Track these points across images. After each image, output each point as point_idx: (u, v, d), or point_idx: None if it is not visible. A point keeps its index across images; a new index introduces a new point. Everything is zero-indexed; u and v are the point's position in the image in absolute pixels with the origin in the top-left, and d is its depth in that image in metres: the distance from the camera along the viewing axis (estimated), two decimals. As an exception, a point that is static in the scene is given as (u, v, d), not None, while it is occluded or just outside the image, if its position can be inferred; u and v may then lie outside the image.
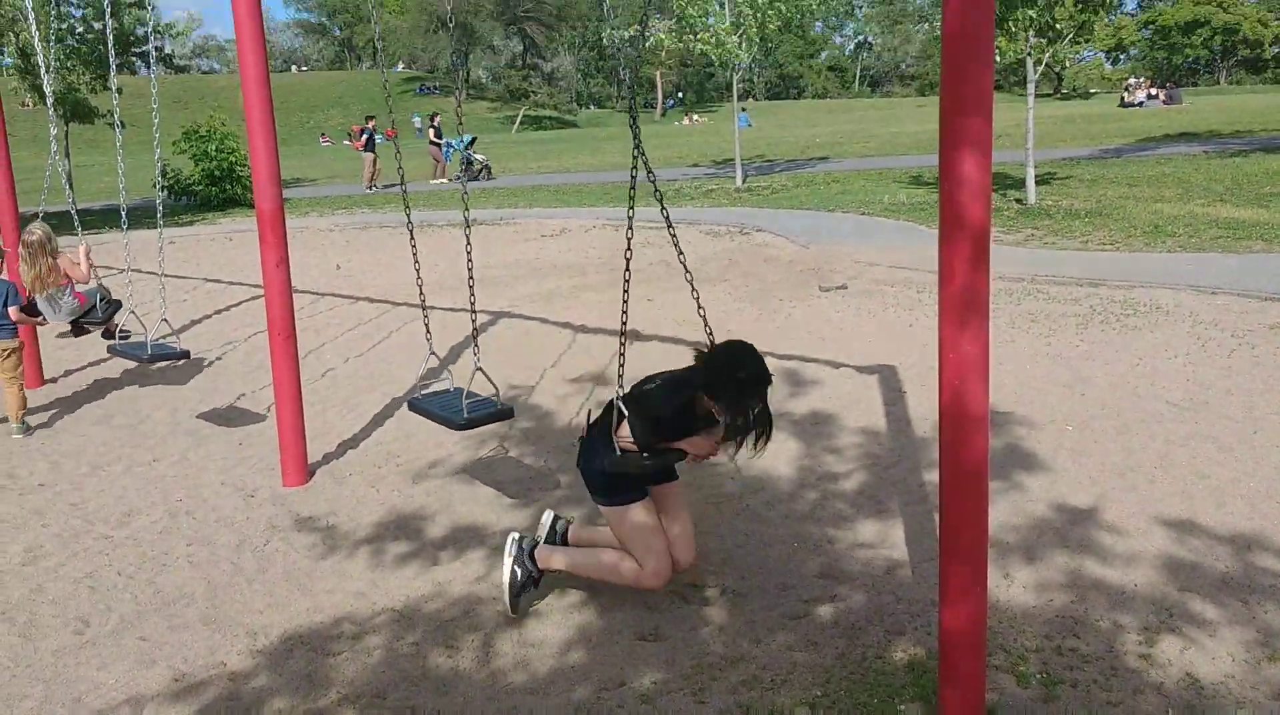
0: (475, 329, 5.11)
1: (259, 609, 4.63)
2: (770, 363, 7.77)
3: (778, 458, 6.03)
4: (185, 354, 6.98)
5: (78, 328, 7.62)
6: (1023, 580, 4.46)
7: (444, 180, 27.37)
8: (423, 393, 5.49)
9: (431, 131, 28.91)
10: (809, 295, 10.31)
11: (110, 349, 7.26)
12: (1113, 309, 8.87)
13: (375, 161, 26.15)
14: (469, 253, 5.51)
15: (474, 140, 29.22)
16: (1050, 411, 6.54)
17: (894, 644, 4.02)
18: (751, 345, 4.07)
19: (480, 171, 27.63)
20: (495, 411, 4.99)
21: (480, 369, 5.05)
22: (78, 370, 9.01)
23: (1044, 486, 5.43)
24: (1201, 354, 7.45)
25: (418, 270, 5.71)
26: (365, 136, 26.84)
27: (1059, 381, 7.13)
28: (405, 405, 5.45)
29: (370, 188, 25.63)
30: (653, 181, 4.08)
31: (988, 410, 3.29)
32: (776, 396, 7.09)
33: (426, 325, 5.35)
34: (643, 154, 4.00)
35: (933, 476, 5.64)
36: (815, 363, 7.71)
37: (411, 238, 5.81)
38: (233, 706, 3.82)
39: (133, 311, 7.19)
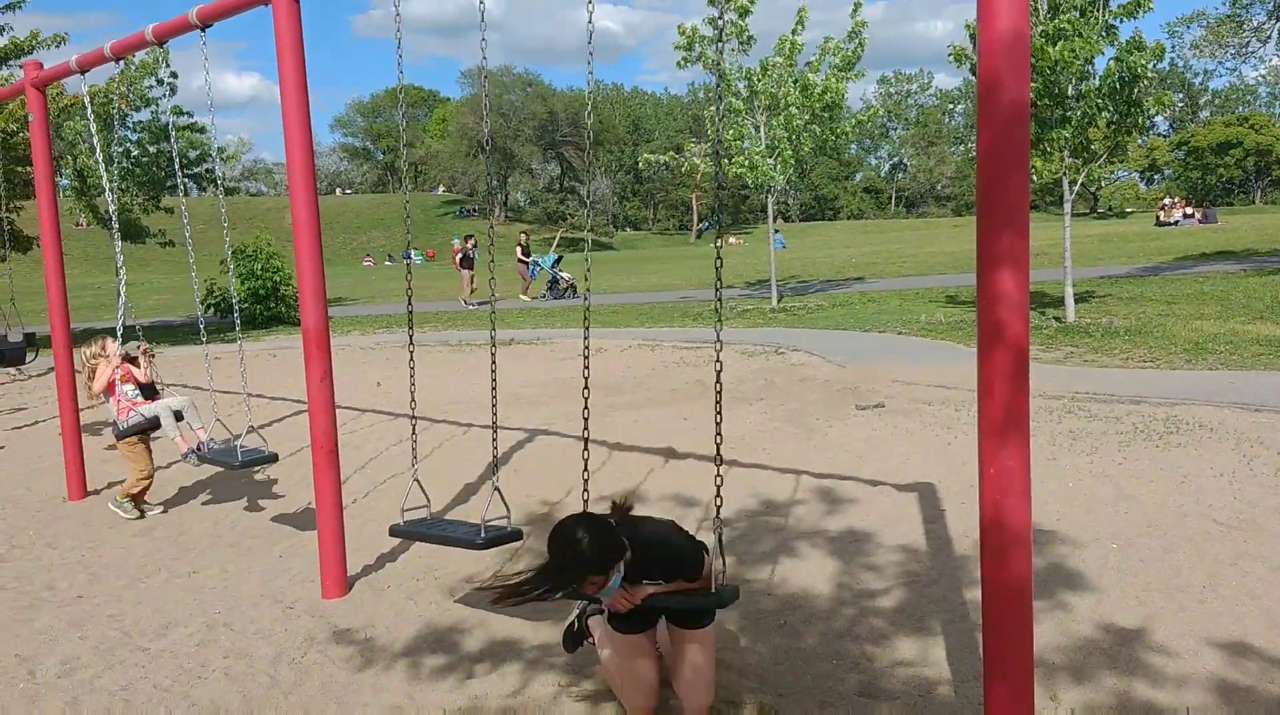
0: (496, 449, 5.19)
1: (294, 723, 4.60)
2: (807, 481, 7.83)
3: (816, 575, 5.98)
4: (274, 457, 7.17)
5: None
6: (1070, 702, 4.35)
7: (527, 298, 27.66)
8: (405, 520, 5.55)
9: (519, 249, 29.16)
10: (846, 414, 10.31)
11: (199, 457, 7.50)
12: (1155, 426, 8.79)
13: (473, 278, 26.70)
14: (493, 372, 5.57)
15: (560, 259, 29.52)
16: (1094, 530, 6.45)
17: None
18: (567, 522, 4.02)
19: (566, 289, 27.83)
20: (507, 534, 5.08)
21: (497, 489, 5.12)
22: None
23: (1089, 606, 5.33)
24: (1248, 472, 7.35)
25: (412, 394, 5.75)
26: (461, 255, 27.44)
27: (1102, 499, 7.04)
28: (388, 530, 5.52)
29: (466, 304, 26.22)
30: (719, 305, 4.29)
31: (1029, 525, 3.28)
32: (813, 515, 7.06)
33: (414, 448, 5.48)
34: (719, 278, 4.22)
35: (974, 595, 5.56)
36: (853, 481, 7.68)
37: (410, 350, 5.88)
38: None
39: (218, 419, 7.40)
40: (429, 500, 5.70)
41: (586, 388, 4.40)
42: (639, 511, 4.33)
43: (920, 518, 6.86)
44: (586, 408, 4.25)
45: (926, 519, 6.82)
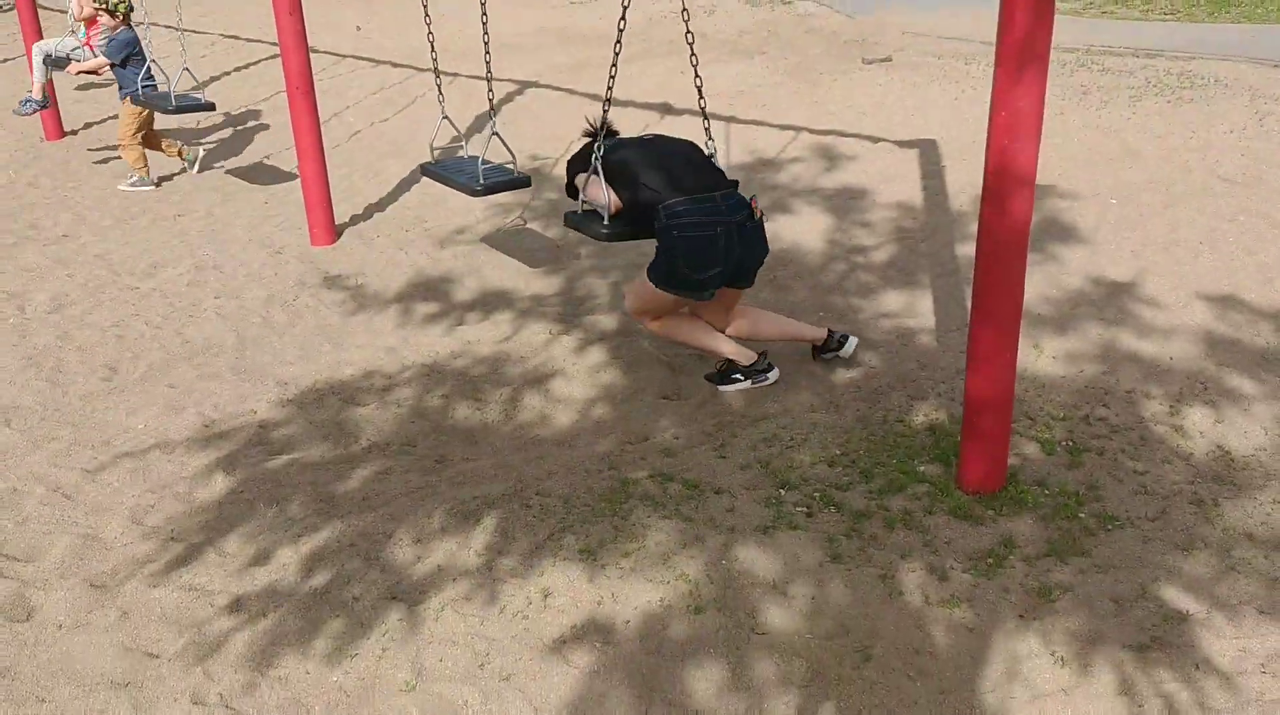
0: (491, 94, 4.88)
1: (289, 360, 4.67)
2: (806, 138, 7.59)
3: (808, 232, 5.90)
4: (210, 105, 6.79)
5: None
6: (1053, 350, 4.40)
7: None
8: (437, 158, 5.31)
9: None
10: (851, 68, 9.84)
11: (135, 100, 7.07)
12: (1169, 81, 8.43)
13: None
14: (484, 11, 5.17)
15: None
16: (1095, 185, 6.32)
17: (915, 408, 4.00)
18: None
19: None
20: (512, 179, 4.81)
21: (497, 134, 4.85)
22: (98, 123, 8.85)
23: (1082, 259, 5.29)
24: (1258, 128, 7.11)
25: (430, 38, 5.27)
26: None
27: (1107, 155, 6.85)
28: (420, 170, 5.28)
29: None
30: None
31: (1035, 170, 3.12)
32: (810, 172, 6.89)
33: (439, 88, 5.12)
34: None
35: (965, 250, 5.51)
36: (852, 138, 7.44)
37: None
38: (263, 452, 3.89)
39: (154, 61, 6.96)
40: (514, 157, 5.28)
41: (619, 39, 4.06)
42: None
43: (919, 174, 6.70)
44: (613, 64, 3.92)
45: (925, 175, 6.66)
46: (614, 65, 3.95)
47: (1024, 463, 3.58)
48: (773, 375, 4.27)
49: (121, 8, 6.87)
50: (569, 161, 4.30)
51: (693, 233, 3.85)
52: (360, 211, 6.59)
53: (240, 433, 4.03)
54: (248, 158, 7.85)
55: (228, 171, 7.50)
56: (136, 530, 3.41)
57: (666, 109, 8.49)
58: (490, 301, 5.25)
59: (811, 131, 7.67)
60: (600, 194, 3.96)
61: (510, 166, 4.93)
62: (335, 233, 6.12)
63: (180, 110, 6.51)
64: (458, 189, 4.72)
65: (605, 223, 3.96)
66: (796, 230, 5.94)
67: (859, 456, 3.69)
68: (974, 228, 5.78)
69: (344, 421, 4.10)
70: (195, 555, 3.26)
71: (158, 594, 3.08)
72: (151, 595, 3.08)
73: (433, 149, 5.21)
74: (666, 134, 4.38)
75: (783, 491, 3.48)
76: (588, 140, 4.21)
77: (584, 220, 4.06)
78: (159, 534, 3.38)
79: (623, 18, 3.77)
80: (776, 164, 7.09)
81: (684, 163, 4.04)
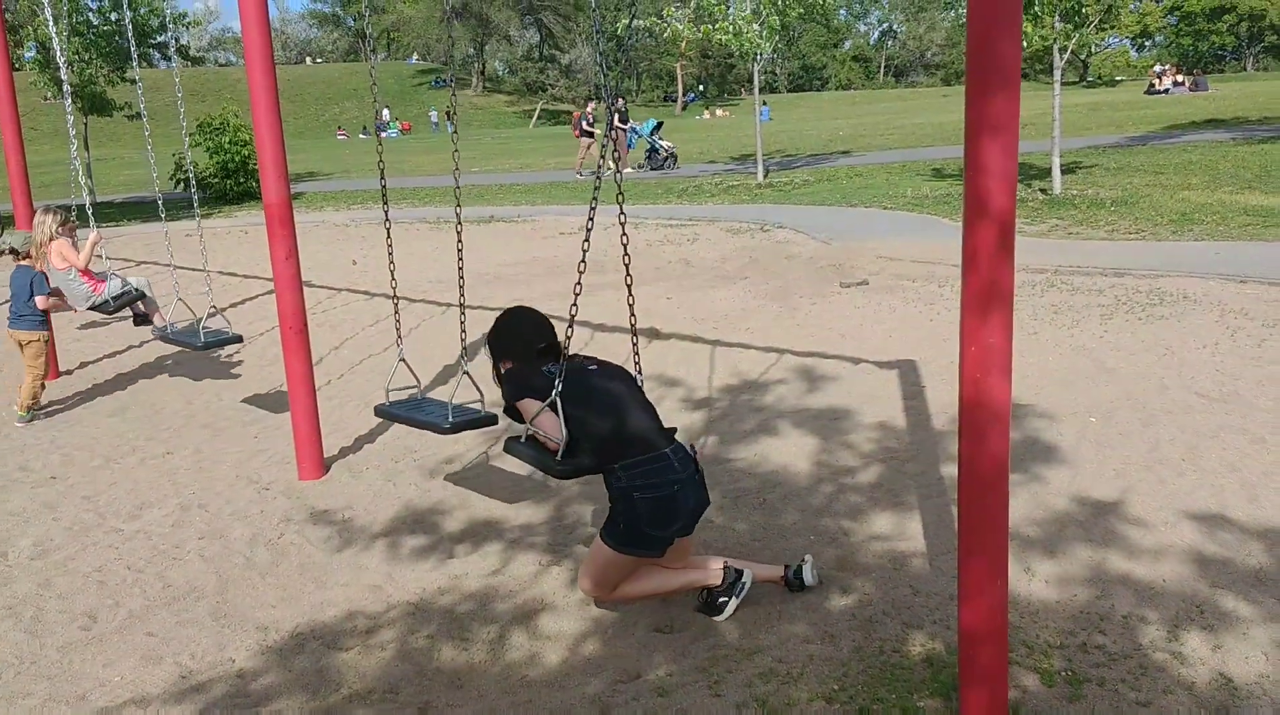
0: (464, 333, 5.03)
1: (271, 603, 4.59)
2: (789, 360, 7.76)
3: (795, 454, 5.95)
4: (238, 338, 6.98)
5: (138, 318, 7.76)
6: (1045, 574, 4.36)
7: (630, 169, 25.33)
8: (392, 400, 5.39)
9: (617, 116, 24.81)
10: (830, 292, 10.20)
11: (162, 337, 7.29)
12: (1138, 299, 8.73)
13: (589, 147, 24.53)
14: (459, 249, 5.35)
15: (660, 125, 26.86)
16: (1073, 403, 6.43)
17: (911, 638, 3.93)
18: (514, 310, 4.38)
19: (666, 159, 25.32)
20: (479, 417, 4.90)
21: (467, 373, 4.97)
22: (93, 362, 9.02)
23: (1066, 479, 5.32)
24: (1231, 344, 7.31)
25: (392, 271, 5.47)
26: (582, 120, 25.59)
27: (1082, 373, 7.01)
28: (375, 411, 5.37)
29: (579, 174, 24.30)
30: (618, 182, 4.20)
31: (1009, 404, 3.20)
32: (794, 393, 7.01)
33: (397, 328, 5.32)
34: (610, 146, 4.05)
35: (951, 471, 5.54)
36: (834, 359, 7.62)
37: (388, 237, 5.65)
38: (239, 704, 3.77)
39: (180, 299, 7.20)
40: (418, 379, 5.57)
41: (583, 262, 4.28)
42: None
43: (900, 395, 6.82)
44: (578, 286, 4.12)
45: (906, 396, 6.78)
46: (578, 285, 4.01)
47: (1025, 696, 3.49)
48: (747, 578, 4.21)
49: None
50: (505, 375, 4.14)
51: (653, 493, 3.83)
52: (350, 443, 6.64)
53: (218, 684, 3.92)
54: (240, 393, 7.96)
55: (219, 407, 7.59)
56: (106, 793, 3.26)
57: (654, 333, 8.70)
58: (479, 532, 5.22)
59: (794, 353, 7.85)
60: (556, 429, 3.80)
61: (477, 405, 5.01)
62: (324, 466, 6.15)
63: (209, 347, 6.74)
64: (423, 427, 4.81)
65: (559, 458, 3.81)
66: (783, 452, 5.99)
67: (857, 691, 3.59)
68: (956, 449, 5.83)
69: (324, 668, 4.00)
70: (166, 820, 3.11)
71: None
72: None
73: (388, 391, 5.31)
74: (598, 358, 4.37)
75: (777, 734, 3.38)
76: (513, 345, 4.22)
77: (532, 451, 3.92)
78: (129, 797, 3.23)
79: (586, 239, 3.96)
80: (760, 385, 7.22)
81: (631, 406, 4.01)
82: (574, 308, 4.04)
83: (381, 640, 4.20)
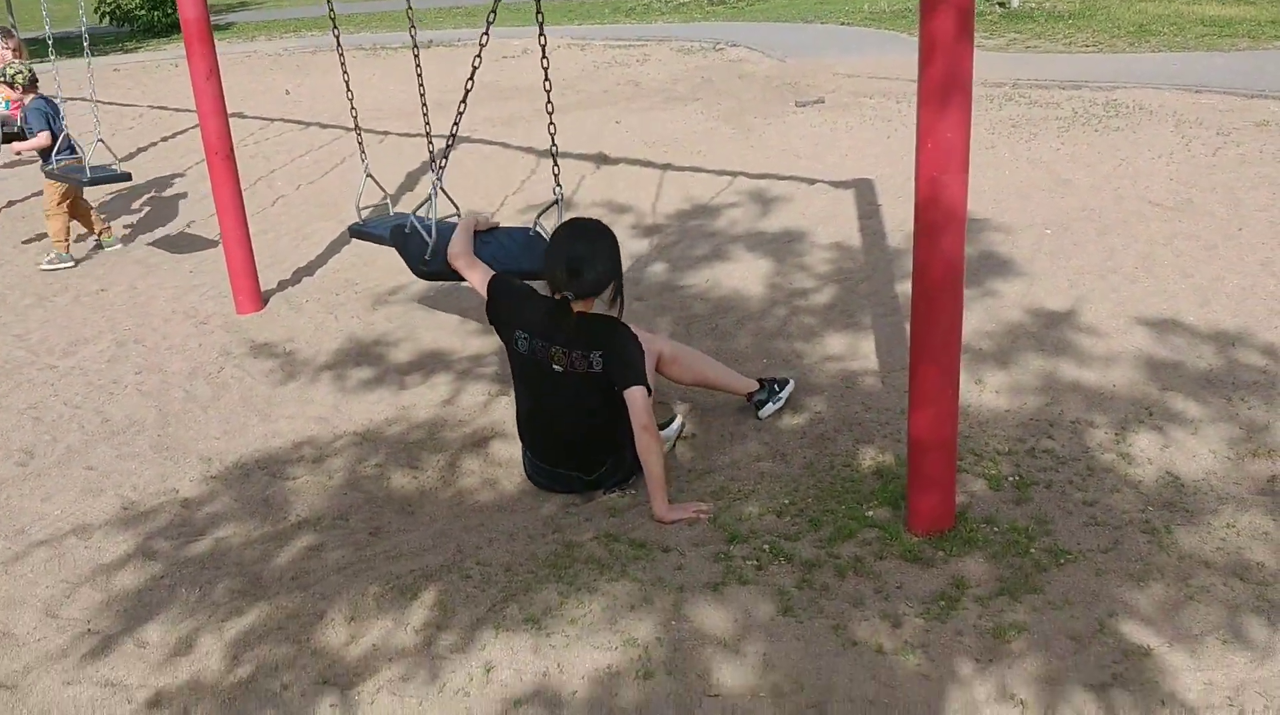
0: (431, 145, 4.82)
1: (214, 435, 4.49)
2: (743, 183, 7.58)
3: (748, 278, 5.84)
4: (126, 176, 6.62)
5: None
6: (995, 385, 4.35)
7: None
8: (366, 218, 5.14)
9: None
10: (784, 111, 9.92)
11: (48, 173, 6.88)
12: (1095, 111, 8.57)
13: None
14: (418, 69, 5.11)
15: None
16: (1029, 216, 6.35)
17: (862, 452, 3.92)
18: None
19: None
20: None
21: (440, 187, 4.72)
22: (21, 201, 8.64)
23: (1020, 291, 5.28)
24: (1186, 153, 7.22)
25: (346, 83, 5.12)
26: None
27: (1039, 186, 6.90)
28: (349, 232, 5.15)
29: None
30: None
31: (965, 202, 3.08)
32: (748, 217, 6.86)
33: (360, 144, 5.03)
34: None
35: (905, 288, 5.48)
36: (788, 180, 7.44)
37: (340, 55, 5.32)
38: (185, 532, 3.71)
39: (68, 134, 6.80)
40: (386, 193, 5.31)
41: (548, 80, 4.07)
42: (571, 216, 4.00)
43: (856, 214, 6.69)
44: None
45: (862, 215, 6.66)
46: (549, 104, 3.96)
47: (972, 500, 3.50)
48: (786, 390, 4.32)
49: (19, 79, 6.72)
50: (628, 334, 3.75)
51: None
52: (288, 276, 6.45)
53: (162, 513, 3.84)
54: (173, 227, 7.68)
55: (151, 243, 7.32)
56: (51, 624, 3.21)
57: (602, 158, 8.45)
58: (427, 364, 5.12)
59: (747, 175, 7.66)
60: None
61: (454, 219, 4.82)
62: (261, 299, 5.97)
63: (95, 182, 6.35)
64: (401, 251, 4.60)
65: (427, 258, 4.15)
66: (736, 276, 5.88)
67: (807, 505, 3.59)
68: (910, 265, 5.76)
69: (272, 497, 3.93)
70: (113, 647, 3.07)
71: (72, 692, 2.89)
72: (65, 694, 2.88)
73: (359, 208, 5.09)
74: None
75: (731, 546, 3.37)
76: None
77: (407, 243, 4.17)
78: (74, 626, 3.18)
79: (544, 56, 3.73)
80: (713, 209, 7.06)
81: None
82: (551, 126, 4.30)
83: (330, 469, 4.13)
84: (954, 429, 3.26)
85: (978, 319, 4.95)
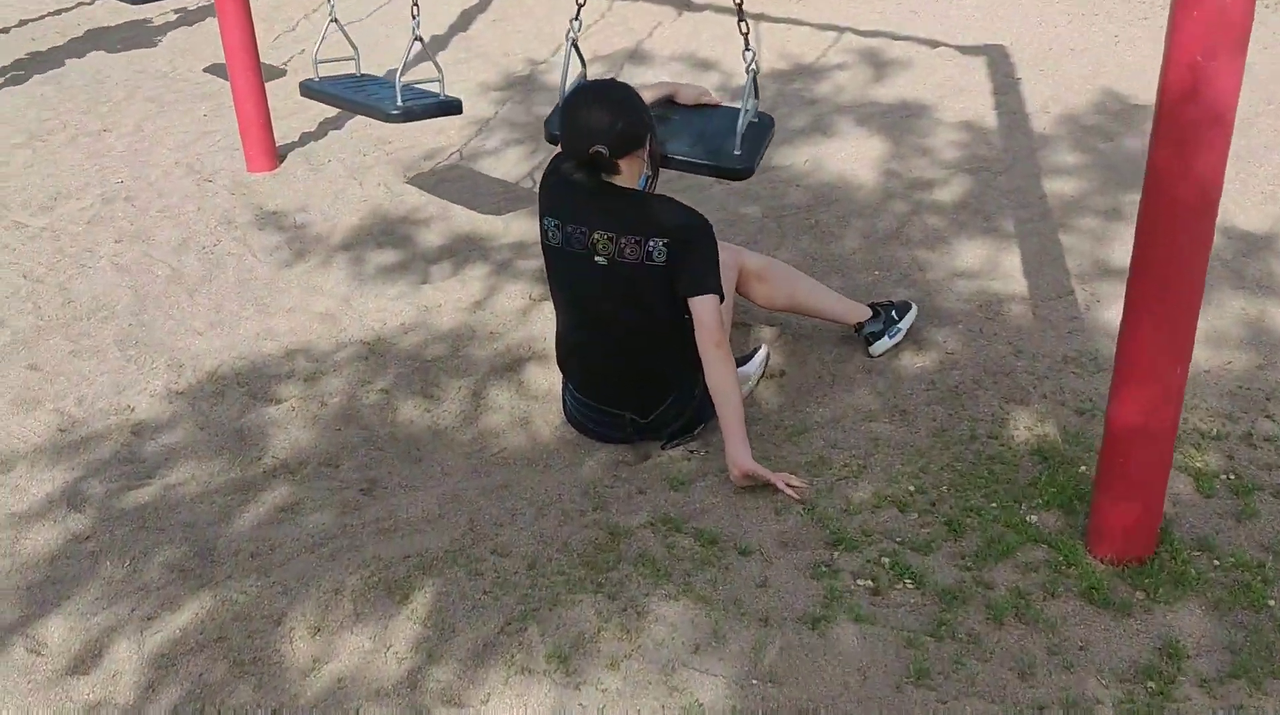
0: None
1: (195, 329, 3.65)
2: (850, 40, 6.38)
3: (858, 160, 4.79)
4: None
5: None
6: (1189, 334, 3.33)
7: None
8: (322, 75, 4.25)
9: None
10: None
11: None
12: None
13: None
14: None
15: None
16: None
17: (1013, 417, 2.97)
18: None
19: None
20: (439, 103, 3.96)
21: (419, 39, 3.83)
22: (33, 20, 7.69)
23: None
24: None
25: None
26: None
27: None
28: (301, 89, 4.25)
29: None
30: None
31: (1236, 104, 2.05)
32: (857, 83, 5.73)
33: None
34: None
35: (1056, 187, 4.40)
36: (905, 40, 6.23)
37: None
38: (129, 471, 2.89)
39: None
40: (356, 49, 4.39)
41: None
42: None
43: (989, 87, 5.53)
44: None
45: (997, 89, 5.50)
46: None
47: (1175, 510, 2.55)
48: (907, 317, 3.37)
49: None
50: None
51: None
52: (312, 127, 5.49)
53: (106, 441, 3.02)
54: (195, 63, 6.70)
55: (165, 77, 6.38)
56: (-68, 597, 2.44)
57: (685, 4, 7.26)
58: (460, 250, 4.20)
59: (856, 32, 6.45)
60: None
61: (436, 87, 3.98)
62: (277, 156, 5.04)
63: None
64: (363, 111, 3.76)
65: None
66: (842, 157, 4.82)
67: (941, 495, 2.66)
68: (1064, 157, 4.67)
69: (247, 427, 3.09)
70: None
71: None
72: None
73: (316, 62, 4.15)
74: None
75: (836, 552, 2.47)
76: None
77: None
78: (-43, 607, 2.41)
79: None
80: (815, 71, 5.93)
81: None
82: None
83: (325, 391, 3.27)
84: (1175, 420, 2.29)
85: (1155, 238, 3.89)
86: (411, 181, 4.85)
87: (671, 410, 2.93)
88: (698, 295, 2.72)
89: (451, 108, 4.07)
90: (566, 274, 2.86)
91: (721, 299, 2.76)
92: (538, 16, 7.06)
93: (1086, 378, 3.13)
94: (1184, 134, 2.05)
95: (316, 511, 2.69)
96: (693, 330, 2.76)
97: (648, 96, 3.21)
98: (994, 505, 2.61)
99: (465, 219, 4.45)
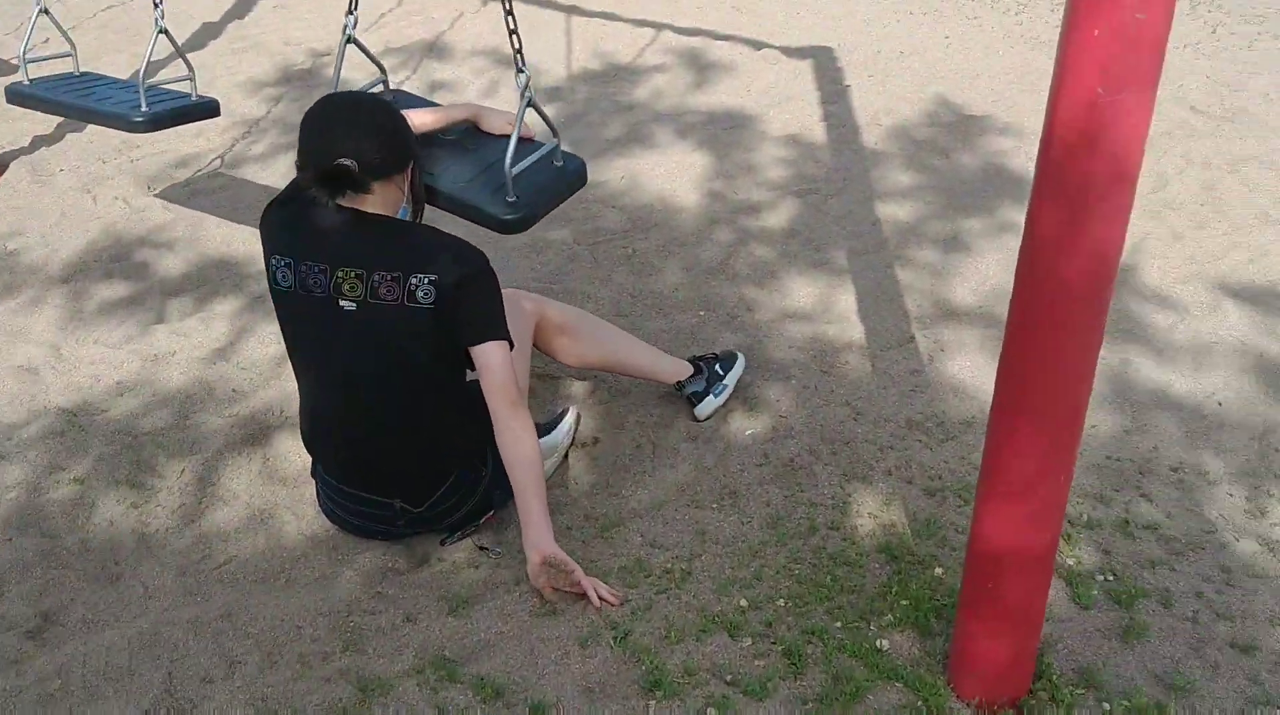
0: None
1: None
2: (669, 40, 5.87)
3: (677, 176, 4.30)
4: None
5: None
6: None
7: None
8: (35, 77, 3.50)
9: None
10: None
11: None
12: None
13: None
14: None
15: None
16: (1039, 117, 4.88)
17: (855, 498, 2.51)
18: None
19: None
20: (192, 106, 3.32)
21: (165, 32, 3.18)
22: None
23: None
24: (1214, 43, 5.79)
25: None
26: None
27: (1046, 74, 5.42)
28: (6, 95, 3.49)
29: None
30: None
31: (1143, 146, 1.61)
32: (676, 87, 5.25)
33: None
34: None
35: (889, 211, 4.01)
36: (728, 41, 5.79)
37: None
38: None
39: None
40: (73, 44, 3.61)
41: None
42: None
43: (817, 96, 5.12)
44: None
45: (826, 98, 5.09)
46: None
47: (1050, 629, 2.12)
48: (733, 372, 2.89)
49: None
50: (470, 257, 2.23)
51: None
52: (47, 129, 4.64)
53: None
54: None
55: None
56: None
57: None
58: (210, 279, 3.51)
59: (675, 30, 5.98)
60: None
61: (187, 87, 3.32)
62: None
63: None
64: (98, 121, 3.07)
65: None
66: (661, 173, 4.32)
67: (778, 612, 2.17)
68: (898, 176, 4.29)
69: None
70: None
71: None
72: None
73: (24, 58, 3.41)
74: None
75: (654, 702, 1.95)
76: None
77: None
78: None
79: None
80: (631, 73, 5.42)
81: None
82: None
83: (4, 480, 2.54)
84: (1055, 539, 1.86)
85: (990, 272, 3.53)
86: (159, 194, 4.11)
87: (452, 495, 2.35)
88: (483, 342, 2.16)
89: (206, 110, 3.39)
90: (304, 326, 2.25)
91: (512, 346, 2.21)
92: (327, 1, 6.31)
93: (934, 447, 2.71)
94: (1077, 194, 1.59)
95: (-45, 672, 1.99)
96: (474, 390, 2.20)
97: (442, 118, 2.65)
98: (838, 625, 2.13)
99: (220, 239, 3.75)
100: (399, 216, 2.27)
